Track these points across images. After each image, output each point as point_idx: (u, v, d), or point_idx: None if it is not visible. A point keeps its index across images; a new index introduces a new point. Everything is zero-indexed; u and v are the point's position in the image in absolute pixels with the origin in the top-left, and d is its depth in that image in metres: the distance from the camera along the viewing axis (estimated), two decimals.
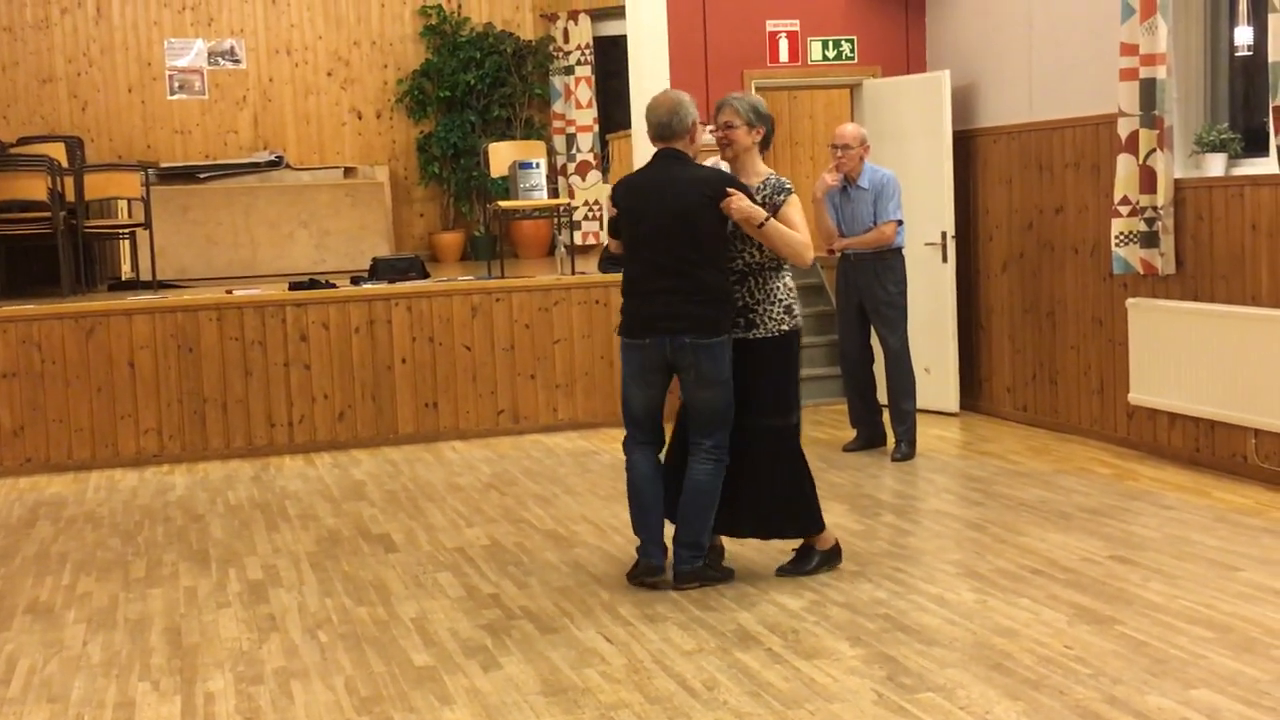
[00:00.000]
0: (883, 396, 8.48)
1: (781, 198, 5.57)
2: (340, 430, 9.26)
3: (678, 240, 5.44)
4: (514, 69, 14.07)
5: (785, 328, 5.59)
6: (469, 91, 13.96)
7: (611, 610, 5.42)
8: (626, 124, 10.71)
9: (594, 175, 13.75)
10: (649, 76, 9.77)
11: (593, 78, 13.82)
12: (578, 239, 12.94)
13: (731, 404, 5.51)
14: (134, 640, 5.31)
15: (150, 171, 11.41)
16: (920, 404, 8.56)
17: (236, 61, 13.84)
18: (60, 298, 9.67)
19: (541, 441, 9.22)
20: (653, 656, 4.85)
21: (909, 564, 5.93)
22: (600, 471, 8.16)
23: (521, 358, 9.51)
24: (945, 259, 9.45)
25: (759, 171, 5.65)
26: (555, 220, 12.84)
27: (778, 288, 5.62)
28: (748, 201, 5.42)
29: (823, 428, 9.23)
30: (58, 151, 11.12)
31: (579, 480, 7.97)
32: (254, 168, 13.37)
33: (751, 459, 5.58)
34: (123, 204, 11.85)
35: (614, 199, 5.65)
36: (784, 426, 5.62)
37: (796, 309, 5.67)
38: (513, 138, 13.41)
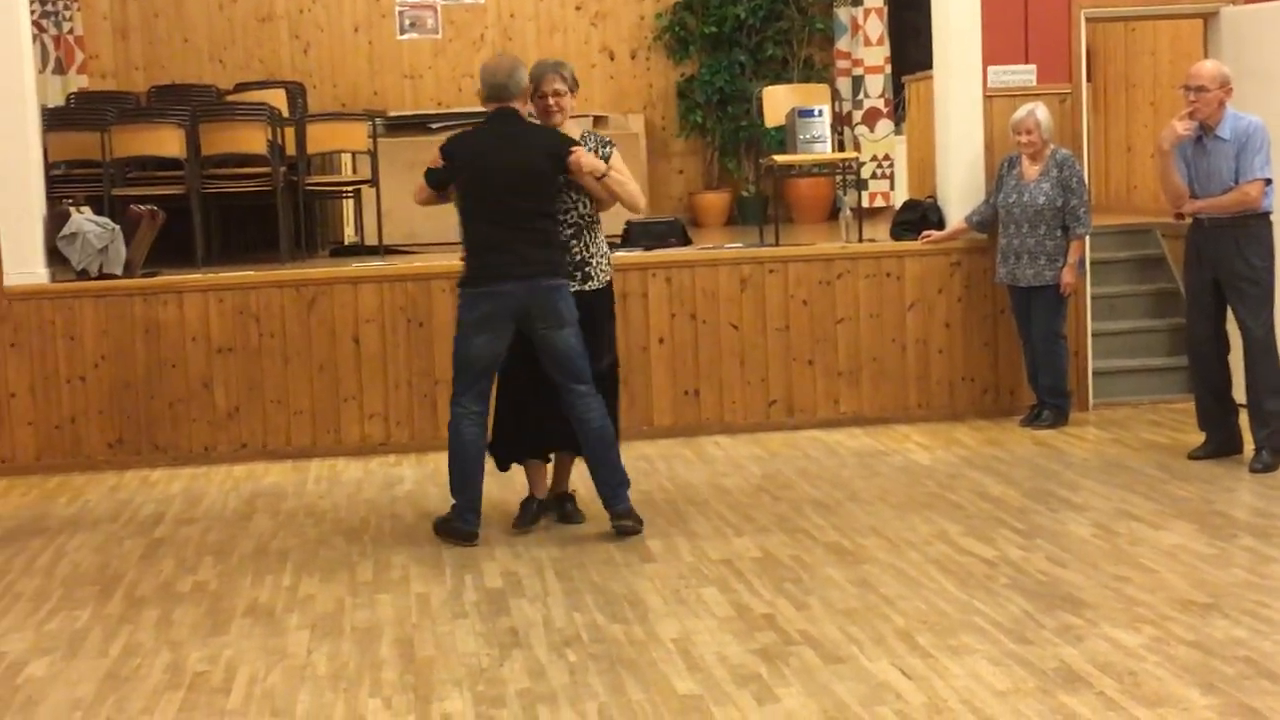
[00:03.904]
0: (1239, 394, 8.22)
1: (608, 149, 7.09)
2: None
3: (524, 193, 6.90)
4: (792, 0, 14.08)
5: (608, 277, 7.24)
6: (739, 27, 14.03)
7: (908, 639, 5.41)
8: (925, 64, 10.60)
9: (884, 125, 13.66)
10: (955, 6, 9.66)
11: (885, 9, 13.72)
12: (865, 200, 12.87)
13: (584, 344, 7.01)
14: (362, 651, 5.56)
15: (377, 121, 11.80)
16: None
17: None
18: (279, 263, 10.11)
19: (820, 439, 9.22)
20: (958, 695, 4.82)
21: (1274, 597, 5.75)
22: (890, 475, 8.13)
23: (798, 340, 9.53)
24: None
25: (573, 131, 7.13)
26: (839, 178, 12.80)
27: (602, 241, 7.24)
28: (591, 156, 6.92)
29: (1163, 430, 8.98)
30: (278, 99, 11.61)
31: (865, 485, 7.95)
32: None
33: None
34: (346, 158, 12.32)
35: (447, 154, 7.04)
36: (614, 364, 7.33)
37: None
38: (790, 80, 13.43)
